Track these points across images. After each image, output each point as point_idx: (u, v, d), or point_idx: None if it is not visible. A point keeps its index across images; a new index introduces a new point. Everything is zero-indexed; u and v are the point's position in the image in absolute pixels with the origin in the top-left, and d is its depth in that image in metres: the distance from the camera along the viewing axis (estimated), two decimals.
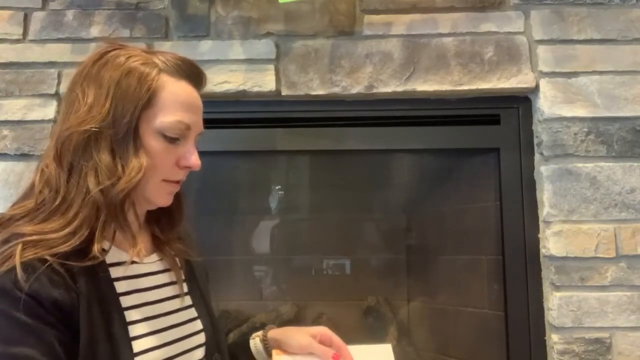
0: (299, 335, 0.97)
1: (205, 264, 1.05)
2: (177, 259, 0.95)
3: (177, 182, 0.88)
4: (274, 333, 1.00)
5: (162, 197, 0.87)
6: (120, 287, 0.81)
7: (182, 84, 0.85)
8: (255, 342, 1.01)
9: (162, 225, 0.94)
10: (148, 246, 0.92)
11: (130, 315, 0.81)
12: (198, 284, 0.98)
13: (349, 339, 0.97)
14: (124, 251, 0.84)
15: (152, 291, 0.87)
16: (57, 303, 0.72)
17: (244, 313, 1.50)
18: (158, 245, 0.94)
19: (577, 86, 1.33)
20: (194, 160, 0.87)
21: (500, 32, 1.36)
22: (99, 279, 0.78)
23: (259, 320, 1.53)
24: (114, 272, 0.81)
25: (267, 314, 1.65)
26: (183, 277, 0.95)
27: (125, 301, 0.81)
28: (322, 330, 0.98)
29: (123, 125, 0.80)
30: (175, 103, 0.83)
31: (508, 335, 1.34)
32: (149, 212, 0.91)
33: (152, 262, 0.91)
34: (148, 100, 0.81)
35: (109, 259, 0.81)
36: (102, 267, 0.79)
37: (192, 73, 0.87)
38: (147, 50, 0.87)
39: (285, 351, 0.97)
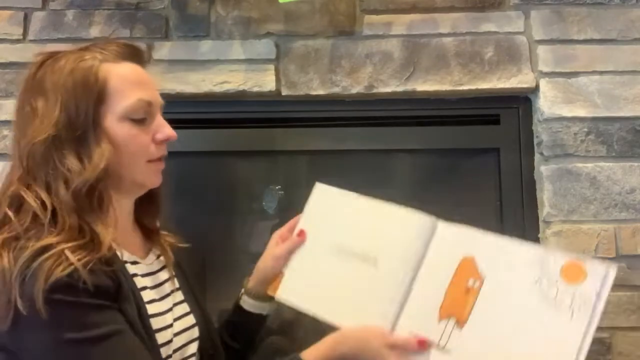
0: (267, 257, 1.01)
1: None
2: (169, 254, 0.97)
3: (160, 158, 0.89)
4: (252, 280, 1.03)
5: (152, 177, 0.89)
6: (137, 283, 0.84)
7: (125, 65, 0.86)
8: (244, 300, 1.03)
9: (148, 216, 0.96)
10: (141, 244, 0.94)
11: (149, 310, 0.83)
12: (187, 278, 1.00)
13: None
14: (127, 251, 0.86)
15: (155, 289, 0.89)
16: (109, 290, 0.76)
17: None
18: (151, 241, 0.95)
19: (577, 86, 1.33)
20: (168, 131, 0.88)
21: (500, 32, 1.36)
22: (123, 274, 0.81)
23: None
24: (129, 269, 0.84)
25: None
26: (173, 273, 0.96)
27: (144, 296, 0.84)
28: (278, 233, 1.03)
29: (80, 124, 0.80)
30: (127, 84, 0.84)
31: None
32: (135, 208, 0.93)
33: (151, 262, 0.92)
34: (99, 93, 0.81)
35: (122, 257, 0.84)
36: (120, 264, 0.82)
37: (130, 53, 0.88)
38: (82, 47, 0.87)
39: (275, 279, 1.00)
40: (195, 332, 0.94)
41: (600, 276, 0.79)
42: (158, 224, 0.98)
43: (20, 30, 1.38)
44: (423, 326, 0.85)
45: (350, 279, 0.93)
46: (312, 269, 0.97)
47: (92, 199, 0.79)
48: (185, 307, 0.95)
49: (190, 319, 0.94)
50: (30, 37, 1.38)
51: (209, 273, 1.56)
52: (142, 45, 0.90)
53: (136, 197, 0.92)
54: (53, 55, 0.85)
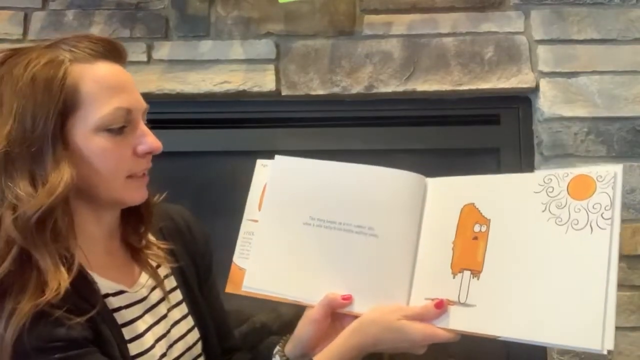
0: (305, 322, 0.85)
1: (204, 234, 0.99)
2: (162, 266, 0.88)
3: (144, 173, 0.79)
4: (290, 344, 0.87)
5: (133, 195, 0.78)
6: (119, 318, 0.77)
7: (100, 65, 0.74)
8: None
9: (133, 234, 0.85)
10: (129, 265, 0.84)
11: (132, 349, 0.77)
12: (191, 287, 0.92)
13: None
14: (112, 280, 0.78)
15: (142, 318, 0.81)
16: (85, 338, 0.70)
17: (244, 313, 1.50)
18: (140, 260, 0.85)
19: (577, 86, 1.33)
20: (151, 142, 0.76)
21: (500, 32, 1.36)
22: (102, 316, 0.74)
23: (259, 320, 1.53)
24: (110, 304, 0.77)
25: (267, 314, 1.64)
26: (175, 284, 0.89)
27: (127, 333, 0.77)
28: (324, 307, 0.83)
29: (35, 139, 0.68)
30: (103, 90, 0.72)
31: None
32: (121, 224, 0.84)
33: (141, 286, 0.83)
34: (65, 102, 0.70)
35: (103, 290, 0.76)
36: (99, 301, 0.74)
37: (107, 49, 0.75)
38: (50, 43, 0.75)
39: (235, 275, 0.88)
40: (197, 349, 0.88)
41: (610, 180, 0.77)
42: (144, 242, 0.86)
43: (20, 30, 1.38)
44: (438, 288, 0.79)
45: (343, 255, 0.83)
46: (289, 251, 0.86)
47: (44, 231, 0.67)
48: (188, 322, 0.88)
49: (194, 335, 0.88)
50: (30, 37, 1.38)
51: None
52: (118, 41, 0.78)
53: (116, 213, 0.82)
54: (15, 53, 0.73)
